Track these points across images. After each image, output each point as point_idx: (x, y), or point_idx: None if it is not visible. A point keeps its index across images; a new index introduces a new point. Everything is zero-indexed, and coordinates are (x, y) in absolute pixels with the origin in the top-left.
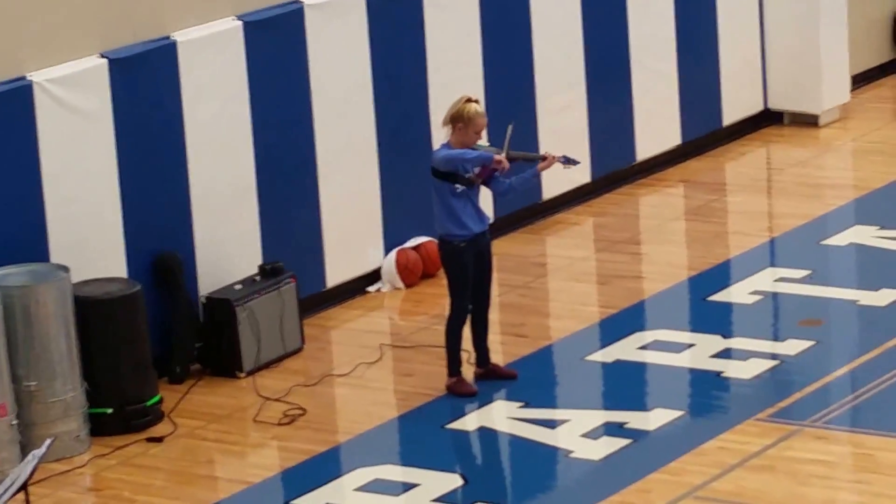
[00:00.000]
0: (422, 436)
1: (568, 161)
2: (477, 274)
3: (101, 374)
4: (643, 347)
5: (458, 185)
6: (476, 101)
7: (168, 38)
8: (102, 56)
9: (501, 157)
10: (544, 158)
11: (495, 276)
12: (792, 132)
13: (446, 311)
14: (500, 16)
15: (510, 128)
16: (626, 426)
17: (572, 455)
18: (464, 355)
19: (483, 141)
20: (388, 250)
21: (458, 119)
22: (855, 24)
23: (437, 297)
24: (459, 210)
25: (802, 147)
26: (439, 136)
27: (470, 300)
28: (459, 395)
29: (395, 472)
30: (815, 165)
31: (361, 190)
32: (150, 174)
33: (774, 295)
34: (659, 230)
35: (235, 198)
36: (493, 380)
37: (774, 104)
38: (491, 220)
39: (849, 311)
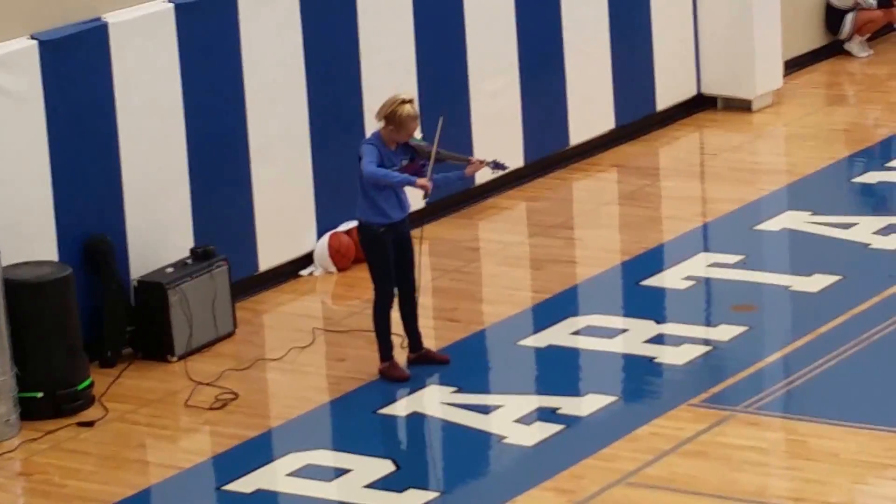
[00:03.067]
0: (354, 421)
1: (497, 166)
2: (398, 259)
3: (32, 358)
4: (576, 332)
5: None
6: (411, 102)
7: (99, 19)
8: (32, 38)
9: (425, 181)
10: (472, 161)
11: (427, 260)
12: (725, 117)
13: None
14: (432, 1)
15: (441, 121)
16: (559, 412)
17: (505, 441)
18: (396, 340)
19: (416, 134)
20: (320, 234)
21: (390, 120)
22: (788, 9)
23: (370, 281)
24: (381, 199)
25: (735, 132)
26: (371, 120)
27: (393, 284)
28: (391, 380)
29: (326, 458)
30: (748, 151)
31: (294, 174)
32: (81, 157)
33: (707, 280)
34: (592, 215)
35: (167, 181)
36: (426, 364)
37: (708, 89)
38: (422, 206)
39: (781, 296)
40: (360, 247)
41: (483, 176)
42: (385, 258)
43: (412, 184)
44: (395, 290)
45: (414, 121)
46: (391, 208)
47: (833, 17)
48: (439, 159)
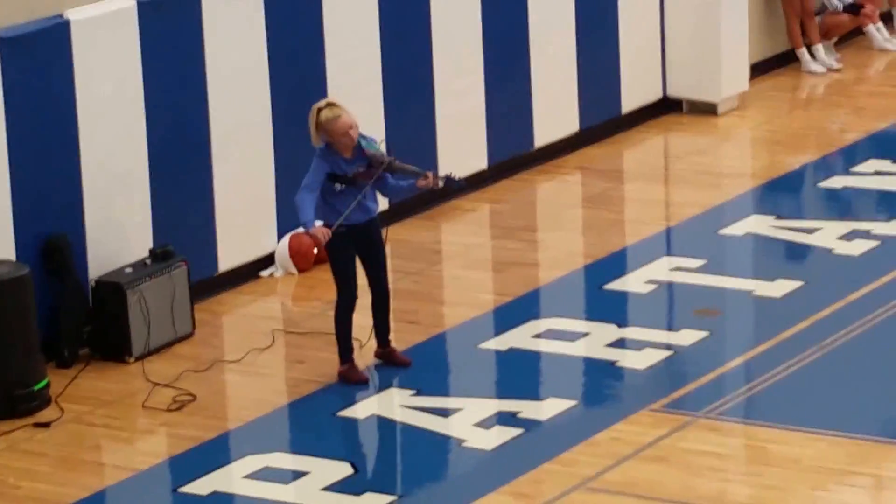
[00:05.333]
0: (313, 423)
1: (450, 181)
2: (368, 260)
3: None
4: (537, 336)
5: (337, 185)
6: (327, 106)
7: (61, 16)
8: None
9: (318, 232)
10: (426, 176)
11: (389, 262)
12: (690, 120)
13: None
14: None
15: (382, 142)
16: (519, 415)
17: (465, 444)
18: (356, 343)
19: (376, 142)
20: (281, 235)
21: (320, 131)
22: (754, 13)
23: (331, 283)
24: (338, 202)
25: (701, 135)
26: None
27: (355, 287)
28: (351, 383)
29: (284, 460)
30: (713, 154)
31: (255, 174)
32: (40, 155)
33: (670, 284)
34: (555, 217)
35: (127, 180)
36: (387, 366)
37: (673, 92)
38: (385, 207)
39: (744, 301)
40: (325, 249)
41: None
42: (346, 261)
43: (306, 228)
44: (358, 293)
45: (337, 119)
46: (351, 211)
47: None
48: (392, 170)
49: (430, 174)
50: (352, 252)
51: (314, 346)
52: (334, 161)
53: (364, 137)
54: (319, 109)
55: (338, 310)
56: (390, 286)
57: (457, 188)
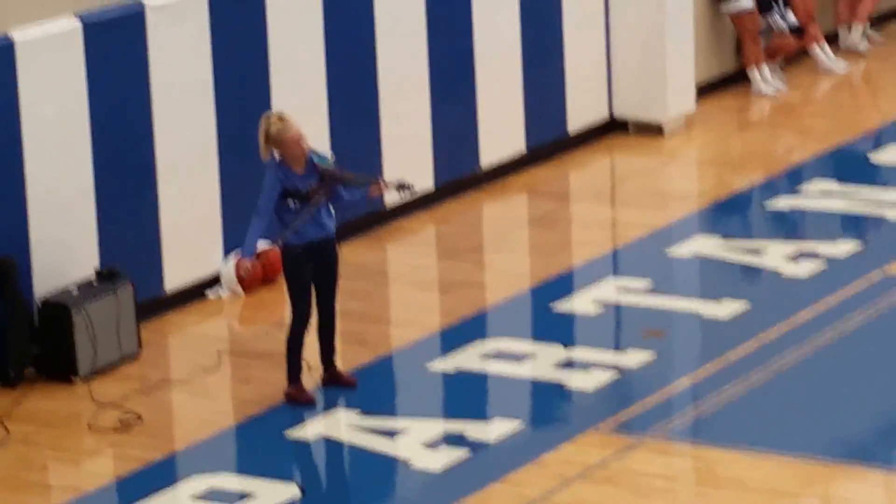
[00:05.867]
0: (259, 444)
1: (402, 187)
2: (319, 280)
3: None
4: (485, 356)
5: (290, 202)
6: (275, 118)
7: (6, 37)
8: None
9: (244, 264)
10: (377, 183)
11: None
12: (637, 141)
13: (286, 318)
14: (343, 20)
15: (333, 156)
16: (466, 436)
17: (412, 465)
18: (304, 365)
19: (327, 157)
20: (227, 255)
21: (269, 143)
22: (700, 34)
23: (277, 303)
24: (292, 220)
25: (647, 156)
26: None
27: (310, 306)
28: (297, 404)
29: (231, 482)
30: (659, 175)
31: (201, 194)
32: None
33: (617, 305)
34: (502, 238)
35: (73, 200)
36: (334, 387)
37: (620, 112)
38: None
39: (691, 322)
40: (282, 267)
41: (392, 197)
42: (301, 280)
43: (248, 253)
44: (311, 312)
45: (287, 132)
46: (306, 228)
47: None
48: (345, 182)
49: (381, 181)
50: (309, 272)
51: (260, 366)
52: (287, 177)
53: (315, 153)
54: (269, 121)
55: (291, 329)
56: (337, 307)
57: (407, 192)
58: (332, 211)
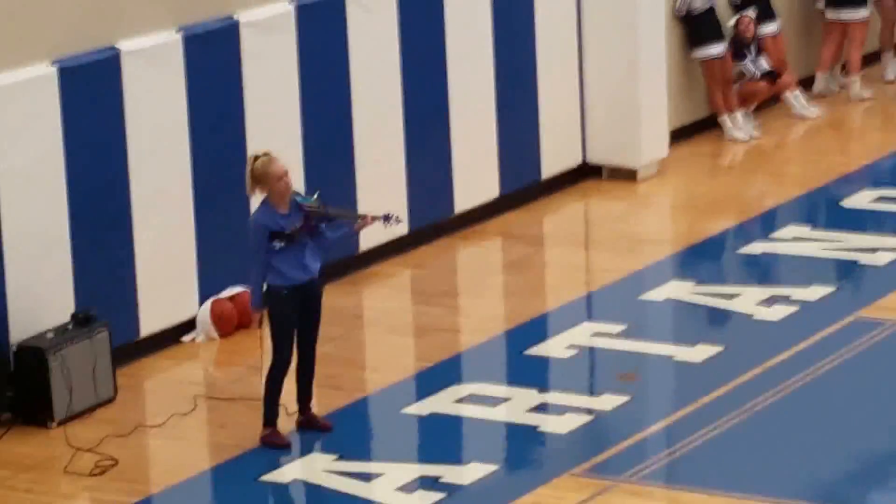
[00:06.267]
0: (235, 488)
1: (388, 219)
2: (302, 322)
3: None
4: (459, 401)
5: (276, 243)
6: (262, 156)
7: None
8: None
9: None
10: (363, 217)
11: None
12: (610, 186)
13: (260, 362)
14: (318, 66)
15: (318, 196)
16: (441, 480)
17: None
18: (282, 409)
19: (312, 197)
20: (203, 300)
21: (256, 181)
22: (673, 80)
23: (253, 348)
24: (279, 262)
25: (621, 201)
26: None
27: (291, 350)
28: (273, 447)
29: None
30: (633, 220)
31: (176, 239)
32: None
33: (591, 349)
34: (476, 283)
35: (49, 245)
36: (309, 431)
37: (593, 158)
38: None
39: (665, 366)
40: (267, 309)
41: (367, 242)
42: (285, 323)
43: (257, 304)
44: (292, 356)
45: (270, 166)
46: (290, 270)
47: None
48: (330, 218)
49: (367, 216)
50: (294, 314)
51: (236, 410)
52: (272, 217)
53: (299, 194)
54: (255, 158)
55: (271, 372)
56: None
57: (396, 223)
58: (317, 253)
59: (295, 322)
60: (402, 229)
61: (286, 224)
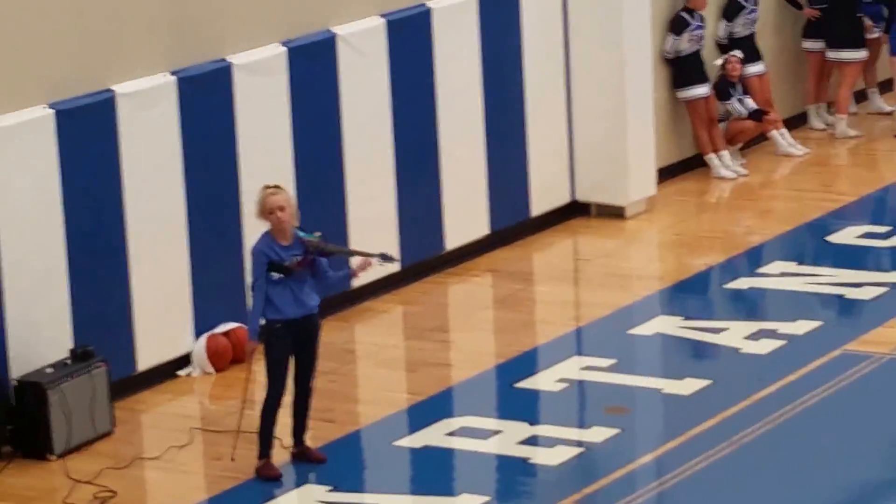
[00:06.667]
0: None
1: (385, 259)
2: (298, 356)
3: None
4: (451, 433)
5: (273, 274)
6: (269, 187)
7: None
8: None
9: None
10: (362, 255)
11: None
12: (599, 223)
13: (256, 396)
14: (309, 106)
15: (320, 234)
16: None
17: None
18: (277, 442)
19: (314, 234)
20: (198, 335)
21: (258, 211)
22: (660, 119)
23: (247, 381)
24: (275, 295)
25: (609, 238)
26: (250, 222)
27: (285, 383)
28: (266, 479)
29: None
30: (621, 256)
31: (171, 276)
32: None
33: (581, 383)
34: (467, 318)
35: (47, 282)
36: (304, 463)
37: (582, 196)
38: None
39: (654, 399)
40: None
41: (360, 278)
42: (276, 357)
43: (254, 333)
44: (285, 389)
45: (267, 198)
46: (285, 305)
47: None
48: (327, 253)
49: (366, 255)
50: (288, 348)
51: (231, 443)
52: (272, 248)
53: (302, 229)
54: (265, 188)
55: (265, 405)
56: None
57: (391, 262)
58: (315, 289)
59: (287, 355)
60: (394, 266)
61: (285, 256)
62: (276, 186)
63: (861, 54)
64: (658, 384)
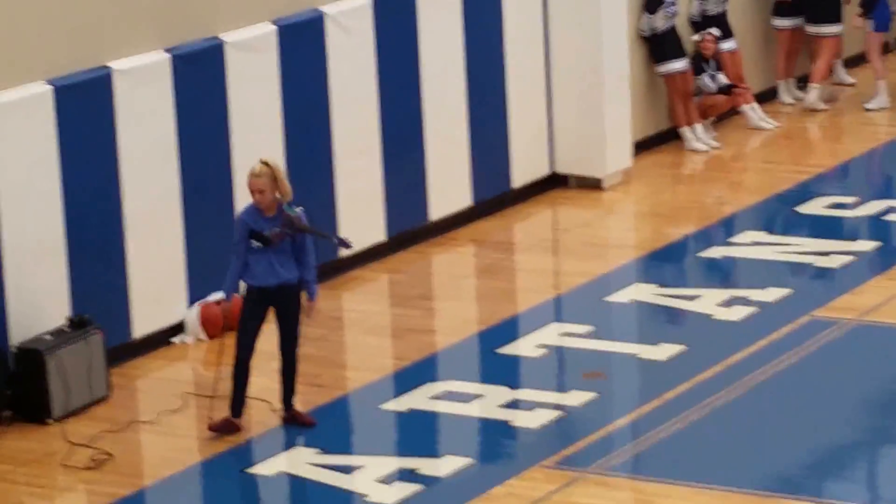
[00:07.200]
0: (223, 480)
1: (342, 243)
2: (280, 325)
3: None
4: (435, 397)
5: (253, 242)
6: (256, 169)
7: None
8: None
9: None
10: (322, 235)
11: None
12: (577, 195)
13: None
14: (299, 83)
15: (301, 209)
16: (418, 472)
17: (367, 499)
18: (267, 405)
19: (294, 211)
20: (192, 303)
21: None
22: (637, 94)
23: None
24: (253, 263)
25: (587, 209)
26: (241, 194)
27: (247, 345)
28: (217, 431)
29: None
30: (598, 226)
31: (166, 246)
32: None
33: (560, 349)
34: (450, 287)
35: (46, 253)
36: (293, 426)
37: (561, 168)
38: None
39: (630, 364)
40: None
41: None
42: (244, 319)
43: (227, 293)
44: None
45: (250, 178)
46: (260, 273)
47: None
48: (298, 229)
49: (334, 237)
50: (259, 314)
51: (223, 407)
52: (256, 217)
53: (288, 204)
54: (252, 169)
55: (233, 365)
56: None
57: (346, 247)
58: (294, 263)
59: (257, 321)
60: (380, 236)
61: (266, 226)
62: (266, 164)
63: (839, 28)
64: (634, 350)
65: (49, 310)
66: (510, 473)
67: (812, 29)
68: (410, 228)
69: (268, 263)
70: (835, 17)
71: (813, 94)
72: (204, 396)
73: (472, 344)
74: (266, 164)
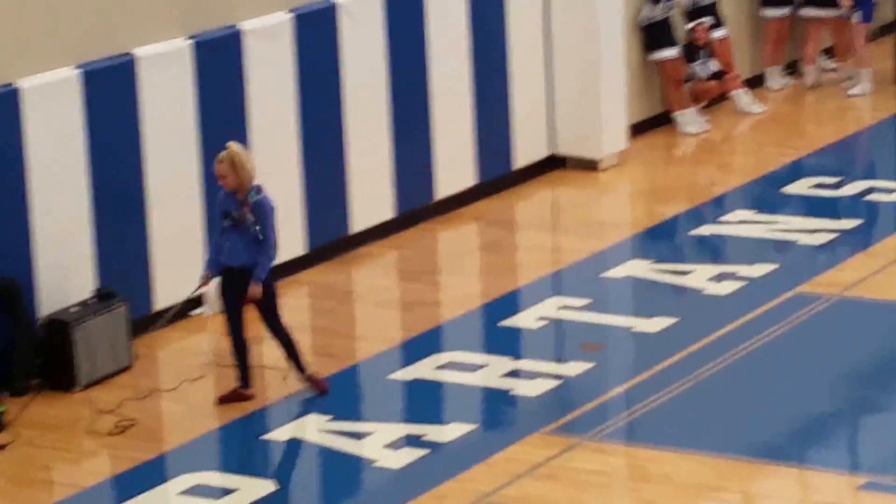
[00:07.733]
0: (240, 446)
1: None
2: (255, 306)
3: None
4: (440, 367)
5: (224, 221)
6: (231, 146)
7: (11, 85)
8: None
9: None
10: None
11: (306, 302)
12: (575, 175)
13: (262, 333)
14: (313, 68)
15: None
16: (424, 438)
17: (375, 464)
18: (279, 375)
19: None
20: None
21: None
22: (632, 79)
23: (254, 320)
24: (223, 239)
25: (584, 189)
26: (257, 173)
27: (233, 320)
28: (225, 402)
29: (215, 479)
30: (595, 205)
31: (186, 223)
32: None
33: (558, 321)
34: (455, 262)
35: (73, 228)
36: (305, 394)
37: (559, 150)
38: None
39: (625, 336)
40: None
41: (356, 225)
42: (226, 298)
43: (207, 265)
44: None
45: (216, 163)
46: (222, 252)
47: None
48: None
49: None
50: (233, 290)
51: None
52: (226, 199)
53: (258, 189)
54: (217, 156)
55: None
56: (308, 323)
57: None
58: (254, 248)
59: (232, 298)
60: (388, 214)
61: (232, 207)
62: (227, 150)
63: (833, 12)
64: (629, 322)
65: (76, 283)
66: (511, 439)
67: (806, 12)
68: (417, 206)
69: (228, 243)
70: (828, 1)
71: (812, 75)
72: (222, 366)
73: (476, 316)
74: (227, 150)
